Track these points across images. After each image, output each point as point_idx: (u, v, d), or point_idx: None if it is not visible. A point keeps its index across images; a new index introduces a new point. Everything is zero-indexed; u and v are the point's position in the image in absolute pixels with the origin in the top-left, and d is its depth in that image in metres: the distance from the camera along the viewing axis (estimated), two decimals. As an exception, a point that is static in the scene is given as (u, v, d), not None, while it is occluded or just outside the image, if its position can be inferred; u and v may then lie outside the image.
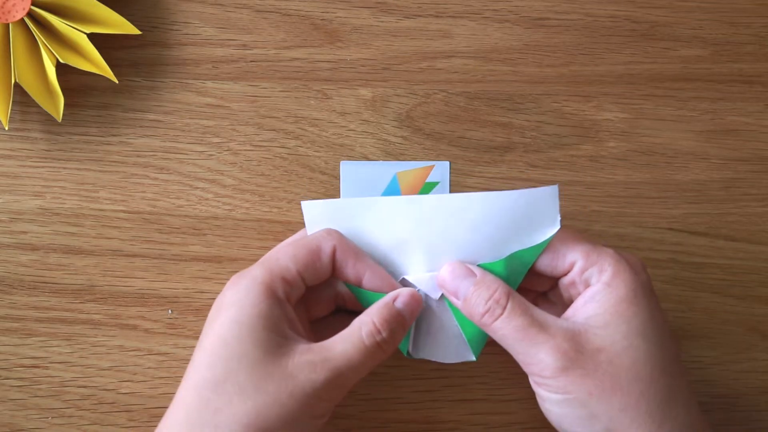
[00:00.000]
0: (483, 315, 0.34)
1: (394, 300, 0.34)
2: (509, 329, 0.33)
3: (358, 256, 0.35)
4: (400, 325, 0.34)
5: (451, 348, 0.37)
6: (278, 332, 0.32)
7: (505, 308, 0.33)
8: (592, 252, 0.34)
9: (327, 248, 0.35)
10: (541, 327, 0.33)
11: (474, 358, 0.36)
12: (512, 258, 0.35)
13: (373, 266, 0.35)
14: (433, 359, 0.37)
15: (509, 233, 0.35)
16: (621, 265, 0.33)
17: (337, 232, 0.35)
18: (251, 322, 0.32)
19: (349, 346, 0.32)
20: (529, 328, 0.33)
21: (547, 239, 0.35)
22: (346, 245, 0.35)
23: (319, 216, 0.36)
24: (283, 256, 0.34)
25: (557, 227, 0.35)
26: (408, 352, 0.36)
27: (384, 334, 0.33)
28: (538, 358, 0.32)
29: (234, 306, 0.32)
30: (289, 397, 0.31)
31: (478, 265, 0.35)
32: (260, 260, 0.35)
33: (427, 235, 0.35)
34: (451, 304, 0.36)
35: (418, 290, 0.36)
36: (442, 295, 0.36)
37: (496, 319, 0.33)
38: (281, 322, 0.33)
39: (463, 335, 0.36)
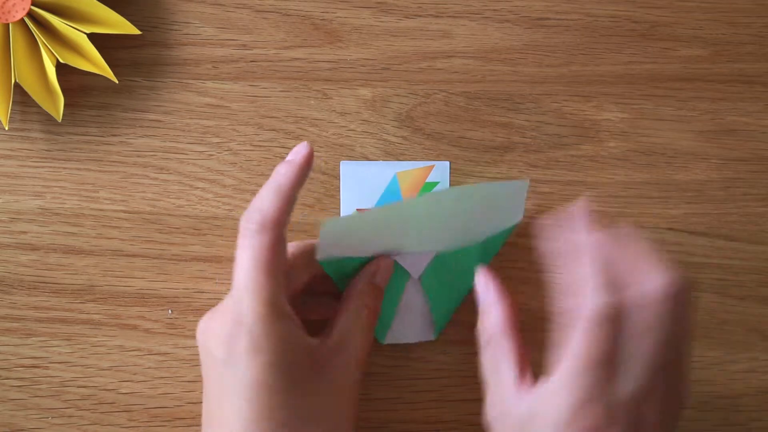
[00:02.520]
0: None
1: (373, 276, 0.36)
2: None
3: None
4: (381, 297, 0.36)
5: (414, 328, 0.39)
6: (307, 350, 0.32)
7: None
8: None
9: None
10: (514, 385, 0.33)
11: (434, 338, 0.39)
12: (486, 243, 0.38)
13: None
14: (398, 341, 0.39)
15: (484, 221, 0.38)
16: (581, 361, 0.30)
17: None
18: (284, 358, 0.31)
19: (360, 336, 0.34)
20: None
21: (513, 225, 0.39)
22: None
23: (335, 233, 0.35)
24: (267, 277, 0.32)
25: (521, 216, 0.39)
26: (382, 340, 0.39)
27: (379, 312, 0.36)
28: (493, 400, 0.34)
29: (260, 351, 0.31)
30: (348, 404, 0.34)
31: (457, 252, 0.38)
32: (243, 292, 0.32)
33: (415, 227, 0.37)
34: (425, 285, 0.38)
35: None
36: (421, 276, 0.38)
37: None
38: (303, 338, 0.33)
39: (432, 314, 0.39)
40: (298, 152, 0.34)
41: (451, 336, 0.40)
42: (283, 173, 0.34)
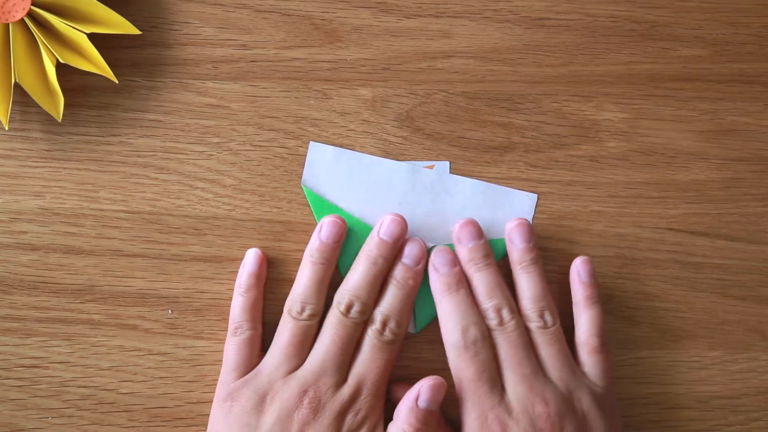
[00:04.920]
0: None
1: (417, 399, 0.36)
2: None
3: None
4: (430, 419, 0.36)
5: None
6: None
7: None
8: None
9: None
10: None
11: (416, 331, 0.39)
12: None
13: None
14: None
15: (486, 222, 0.40)
16: None
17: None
18: None
19: None
20: None
21: None
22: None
23: (321, 160, 0.40)
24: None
25: None
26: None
27: None
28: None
29: None
30: None
31: (451, 246, 0.39)
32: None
33: (416, 203, 0.40)
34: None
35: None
36: None
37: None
38: None
39: (414, 307, 0.39)
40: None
41: (451, 336, 0.40)
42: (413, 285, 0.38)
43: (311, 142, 0.40)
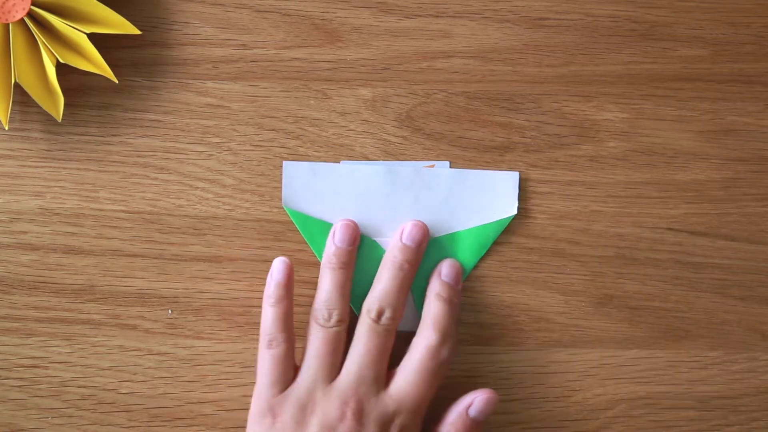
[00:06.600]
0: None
1: (468, 407, 0.37)
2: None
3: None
4: (476, 430, 0.37)
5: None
6: None
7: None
8: None
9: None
10: None
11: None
12: (475, 232, 0.40)
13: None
14: None
15: (472, 209, 0.40)
16: None
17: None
18: None
19: None
20: None
21: (507, 218, 0.40)
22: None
23: (297, 178, 0.40)
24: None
25: (514, 212, 0.40)
26: None
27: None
28: None
29: None
30: None
31: (444, 236, 0.40)
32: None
33: (399, 202, 0.40)
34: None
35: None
36: None
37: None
38: None
39: (413, 300, 0.40)
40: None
41: (451, 336, 0.40)
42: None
43: (284, 162, 0.40)
